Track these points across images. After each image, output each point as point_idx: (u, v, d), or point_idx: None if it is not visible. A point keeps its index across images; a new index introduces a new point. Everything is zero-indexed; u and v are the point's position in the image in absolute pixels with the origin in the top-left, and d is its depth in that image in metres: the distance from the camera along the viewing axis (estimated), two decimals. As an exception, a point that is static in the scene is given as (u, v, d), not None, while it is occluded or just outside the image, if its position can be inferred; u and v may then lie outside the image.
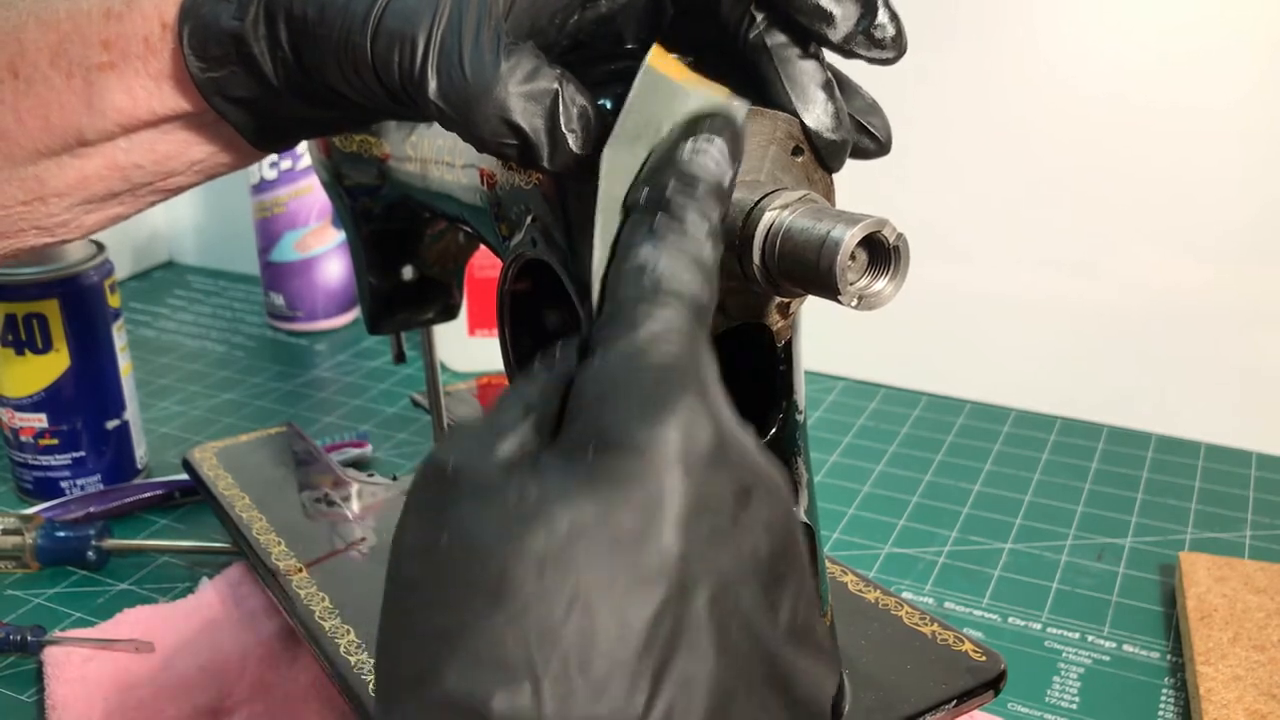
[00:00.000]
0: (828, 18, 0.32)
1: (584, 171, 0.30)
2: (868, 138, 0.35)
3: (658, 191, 0.28)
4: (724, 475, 0.24)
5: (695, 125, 0.30)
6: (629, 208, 0.29)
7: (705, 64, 0.35)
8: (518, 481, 0.24)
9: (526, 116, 0.29)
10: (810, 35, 0.33)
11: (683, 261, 0.27)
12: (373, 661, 0.46)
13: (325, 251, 0.95)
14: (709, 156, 0.29)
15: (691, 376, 0.25)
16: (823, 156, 0.34)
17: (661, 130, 0.30)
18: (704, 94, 0.30)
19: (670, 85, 0.30)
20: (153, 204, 0.38)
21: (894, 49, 0.33)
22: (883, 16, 0.32)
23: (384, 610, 0.25)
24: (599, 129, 0.30)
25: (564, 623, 0.22)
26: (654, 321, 0.26)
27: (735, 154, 0.30)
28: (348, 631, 0.49)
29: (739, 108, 0.31)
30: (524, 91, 0.29)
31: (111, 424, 0.69)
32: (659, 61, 0.30)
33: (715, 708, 0.23)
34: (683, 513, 0.23)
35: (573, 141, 0.30)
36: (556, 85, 0.30)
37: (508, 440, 0.25)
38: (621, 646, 0.22)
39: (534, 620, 0.22)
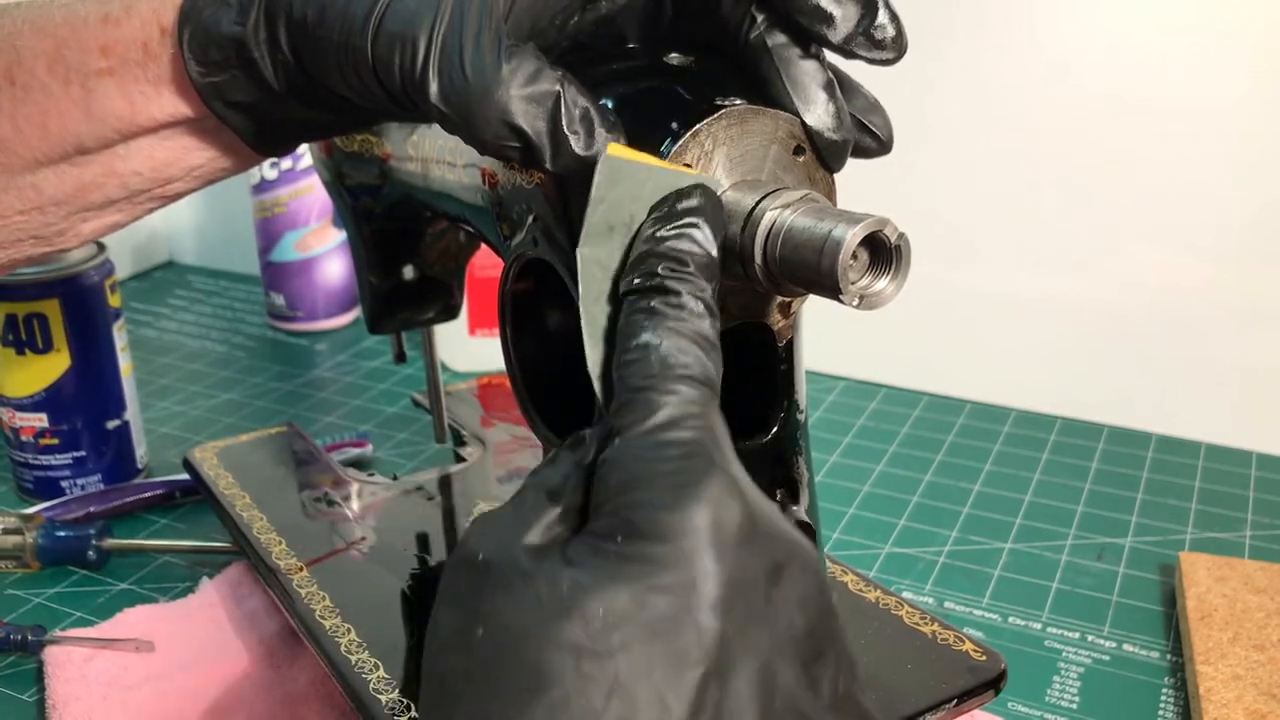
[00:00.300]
0: (828, 19, 0.32)
1: (586, 173, 0.30)
2: (869, 136, 0.35)
3: (649, 276, 0.29)
4: (755, 554, 0.24)
5: (671, 202, 0.30)
6: (623, 296, 0.29)
7: (704, 64, 0.35)
8: (549, 571, 0.24)
9: (528, 118, 0.29)
10: (810, 36, 0.33)
11: (686, 340, 0.27)
12: (373, 661, 0.46)
13: (326, 251, 0.95)
14: (694, 234, 0.29)
15: (712, 457, 0.25)
16: (824, 156, 0.34)
17: (635, 217, 0.30)
18: (668, 172, 0.30)
19: (633, 169, 0.29)
20: (151, 211, 0.38)
21: (894, 50, 0.33)
22: (883, 17, 0.32)
23: (423, 705, 0.26)
24: (601, 130, 0.30)
25: (604, 711, 0.22)
26: (668, 405, 0.26)
27: (717, 225, 0.30)
28: (348, 631, 0.49)
29: (710, 181, 0.31)
30: (526, 94, 0.29)
31: (112, 424, 0.69)
32: (617, 151, 0.30)
33: None
34: (717, 595, 0.24)
35: (575, 143, 0.30)
36: (558, 87, 0.30)
37: (535, 529, 0.26)
38: None
39: (575, 710, 0.22)
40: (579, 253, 0.29)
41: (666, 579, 0.23)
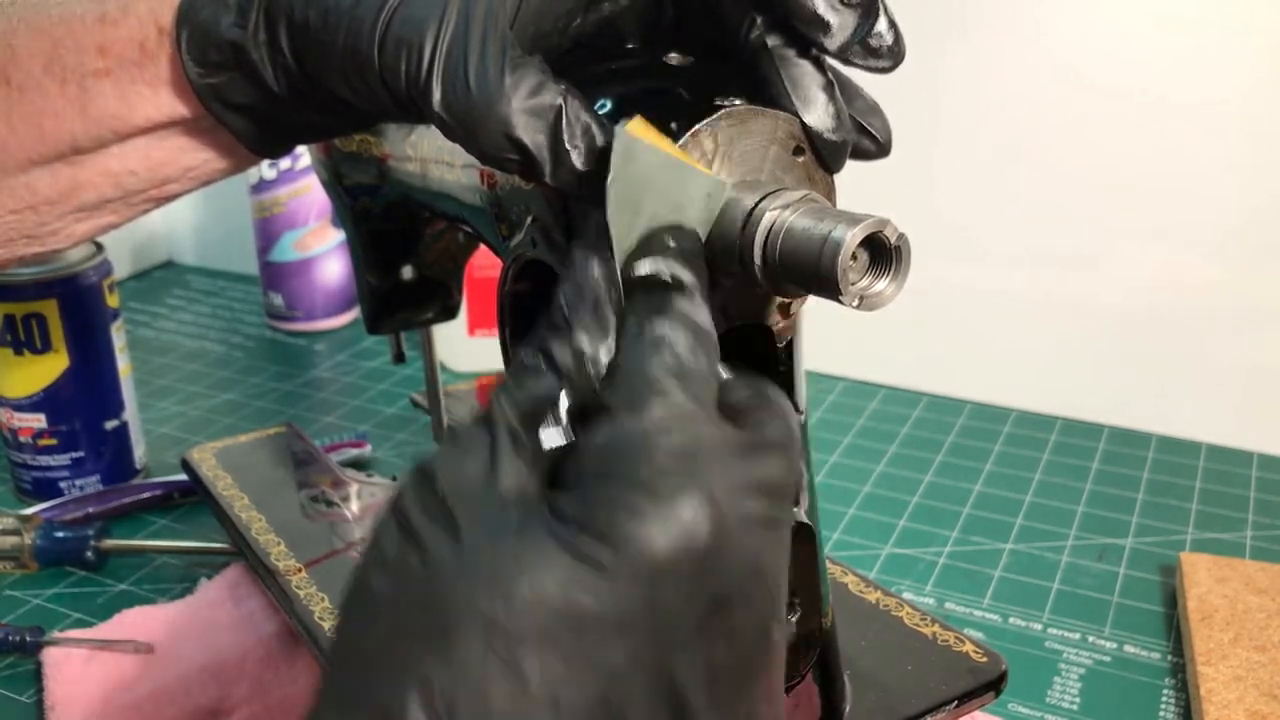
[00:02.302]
0: (825, 26, 0.32)
1: (586, 188, 0.30)
2: (868, 139, 0.35)
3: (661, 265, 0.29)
4: (705, 584, 0.24)
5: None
6: (637, 282, 0.29)
7: (705, 65, 0.35)
8: (499, 532, 0.24)
9: (529, 132, 0.29)
10: (808, 42, 0.33)
11: (698, 342, 0.27)
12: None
13: (324, 251, 0.95)
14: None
15: (699, 473, 0.24)
16: (824, 157, 0.34)
17: (643, 202, 0.29)
18: (680, 166, 0.30)
19: (646, 152, 0.29)
20: (145, 211, 0.37)
21: (890, 58, 0.33)
22: (881, 25, 0.32)
23: (342, 607, 0.25)
24: (602, 146, 0.30)
25: (494, 688, 0.22)
26: (669, 403, 0.25)
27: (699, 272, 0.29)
28: (347, 632, 0.48)
29: (716, 184, 0.31)
30: (527, 107, 0.29)
31: (110, 424, 0.68)
32: (637, 129, 0.29)
33: None
34: (644, 618, 0.23)
35: (575, 158, 0.30)
36: (560, 102, 0.29)
37: (500, 473, 0.25)
38: None
39: (469, 677, 0.22)
40: (608, 219, 0.29)
41: (604, 588, 0.23)
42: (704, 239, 0.31)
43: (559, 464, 0.26)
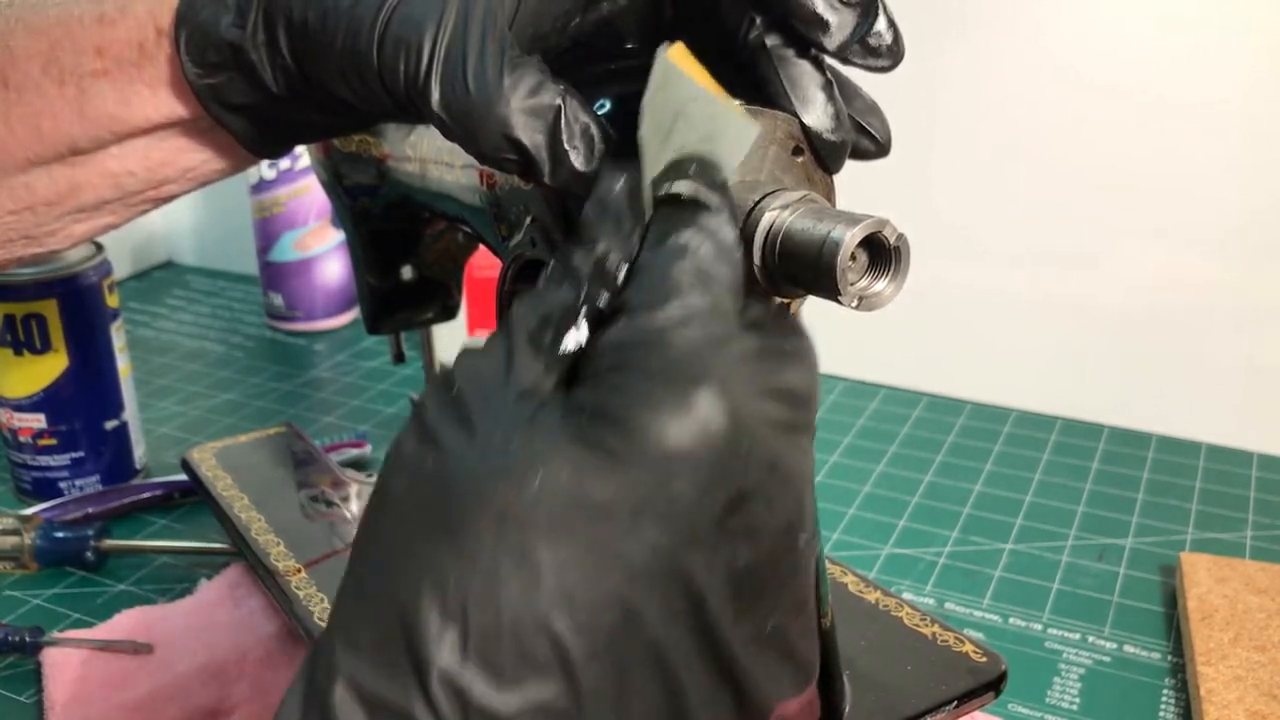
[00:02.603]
0: (824, 25, 0.32)
1: (585, 187, 0.30)
2: (867, 139, 0.35)
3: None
4: (721, 478, 0.24)
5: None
6: (662, 199, 0.29)
7: (706, 64, 0.35)
8: (509, 422, 0.24)
9: (528, 132, 0.29)
10: (806, 42, 0.33)
11: (721, 252, 0.27)
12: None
13: (324, 251, 0.95)
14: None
15: (716, 367, 0.24)
16: (823, 157, 0.34)
17: (675, 128, 0.29)
18: (712, 100, 0.30)
19: (681, 81, 0.29)
20: (144, 212, 0.37)
21: (889, 57, 0.33)
22: (880, 24, 0.32)
23: (366, 509, 0.26)
24: (601, 146, 0.30)
25: (507, 579, 0.22)
26: (688, 303, 0.25)
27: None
28: (347, 633, 0.48)
29: (748, 122, 0.30)
30: (526, 107, 0.29)
31: (110, 424, 0.68)
32: (676, 55, 0.29)
33: (650, 700, 0.23)
34: (659, 510, 0.23)
35: (574, 158, 0.30)
36: (559, 102, 0.29)
37: (515, 371, 0.25)
38: (560, 621, 0.22)
39: (480, 567, 0.22)
40: (640, 138, 0.29)
41: (617, 477, 0.23)
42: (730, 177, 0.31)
43: (576, 365, 0.26)
